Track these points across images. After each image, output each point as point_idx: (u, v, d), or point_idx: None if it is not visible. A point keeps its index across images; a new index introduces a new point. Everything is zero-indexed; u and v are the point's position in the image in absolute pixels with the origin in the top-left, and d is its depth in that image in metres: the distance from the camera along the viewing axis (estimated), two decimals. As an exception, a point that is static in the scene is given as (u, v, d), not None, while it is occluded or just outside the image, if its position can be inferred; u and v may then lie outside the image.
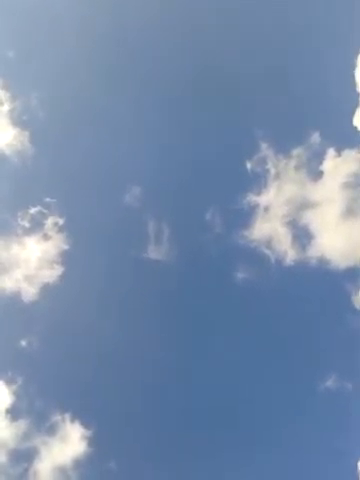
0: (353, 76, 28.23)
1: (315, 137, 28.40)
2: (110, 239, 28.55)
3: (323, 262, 26.79)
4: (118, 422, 25.02)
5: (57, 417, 24.84)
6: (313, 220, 28.11)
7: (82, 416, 24.88)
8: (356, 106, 28.06)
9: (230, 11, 30.13)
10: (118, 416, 25.09)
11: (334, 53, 28.56)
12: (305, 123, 28.82)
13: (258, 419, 24.75)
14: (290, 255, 27.34)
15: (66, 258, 28.16)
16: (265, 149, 28.50)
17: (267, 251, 27.44)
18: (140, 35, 29.88)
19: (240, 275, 27.07)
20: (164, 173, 29.01)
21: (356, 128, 27.97)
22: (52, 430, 24.81)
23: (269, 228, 28.24)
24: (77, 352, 26.14)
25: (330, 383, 24.68)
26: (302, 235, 27.66)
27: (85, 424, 24.78)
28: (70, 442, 24.33)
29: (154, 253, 27.67)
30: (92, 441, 24.48)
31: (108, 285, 27.70)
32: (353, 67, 28.25)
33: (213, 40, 29.68)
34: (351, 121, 28.06)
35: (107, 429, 24.85)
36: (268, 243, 27.68)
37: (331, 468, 22.77)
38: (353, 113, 28.06)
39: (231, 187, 28.92)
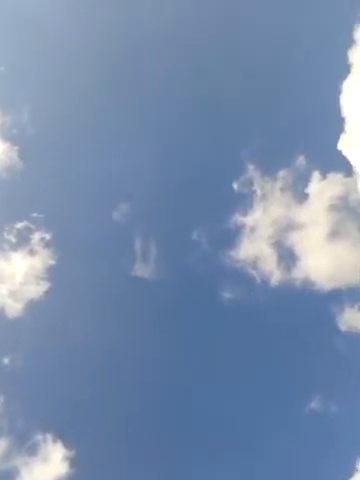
0: (339, 101, 28.27)
1: (301, 160, 28.36)
2: (97, 255, 27.99)
3: (308, 283, 26.52)
4: (101, 443, 24.19)
5: (38, 437, 24.00)
6: (298, 242, 27.88)
7: (64, 436, 24.08)
8: (341, 130, 28.09)
9: (219, 34, 30.01)
10: (101, 437, 24.34)
11: (321, 79, 28.62)
12: (291, 146, 28.79)
13: (243, 439, 24.30)
14: (275, 276, 27.02)
15: (52, 274, 27.54)
16: (252, 170, 28.32)
17: (253, 272, 27.12)
18: (130, 54, 29.58)
19: (226, 295, 26.72)
20: (152, 191, 28.62)
21: (341, 152, 27.94)
22: (33, 450, 23.93)
23: (255, 249, 27.95)
24: (61, 370, 25.39)
25: (315, 404, 24.35)
26: (287, 256, 27.41)
27: (67, 444, 23.94)
28: (52, 463, 23.43)
29: (141, 271, 27.18)
30: (74, 462, 23.64)
31: (94, 302, 27.11)
32: (339, 92, 28.33)
33: (201, 61, 29.58)
34: (336, 145, 28.05)
35: (90, 450, 24.06)
36: (254, 264, 27.35)
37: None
38: (338, 137, 28.07)
39: (218, 207, 28.69)
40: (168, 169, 28.92)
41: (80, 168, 28.92)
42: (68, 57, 29.57)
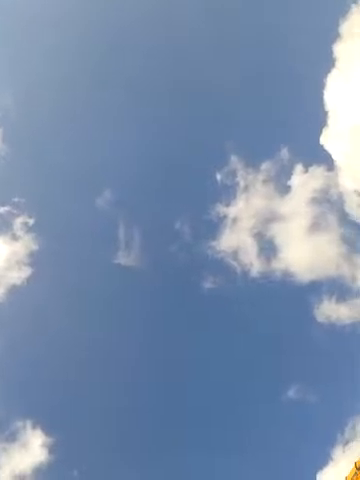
0: (322, 95, 27.55)
1: (284, 152, 27.73)
2: (80, 241, 27.34)
3: (287, 275, 26.08)
4: (81, 430, 23.69)
5: (18, 423, 23.17)
6: (279, 233, 27.34)
7: (44, 423, 23.28)
8: (324, 124, 27.43)
9: (206, 27, 29.00)
10: (81, 423, 23.84)
11: (305, 72, 27.88)
12: (275, 138, 28.21)
13: (221, 427, 23.96)
14: (256, 267, 26.53)
15: (35, 259, 26.56)
16: (235, 162, 27.58)
17: (233, 262, 26.53)
18: (116, 44, 28.59)
19: (207, 285, 26.20)
20: (136, 180, 27.93)
21: (323, 146, 27.30)
22: (12, 437, 23.15)
23: (236, 239, 27.36)
24: (42, 357, 24.79)
25: (292, 393, 24.10)
26: (268, 248, 26.86)
27: (47, 431, 23.14)
28: (31, 449, 22.72)
29: (124, 259, 26.35)
30: (54, 449, 22.87)
31: (77, 289, 26.43)
32: (323, 86, 27.60)
33: (187, 54, 28.67)
34: (319, 138, 27.43)
35: (69, 436, 23.39)
36: (235, 254, 26.76)
37: (291, 477, 22.08)
38: (321, 131, 27.43)
39: (201, 197, 28.04)
40: (152, 158, 28.20)
41: (64, 153, 27.92)
42: (54, 43, 28.36)
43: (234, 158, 27.56)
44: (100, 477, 22.17)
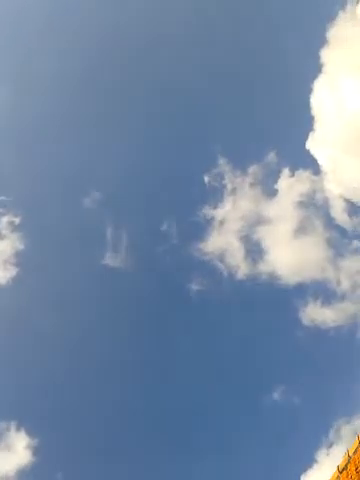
0: (309, 100, 27.65)
1: (271, 156, 27.71)
2: (68, 241, 26.87)
3: (273, 278, 26.03)
4: (65, 432, 23.27)
5: (2, 425, 22.69)
6: (266, 236, 27.34)
7: (28, 425, 22.85)
8: (311, 129, 27.51)
9: (193, 30, 29.03)
10: (65, 426, 23.44)
11: (293, 77, 28.02)
12: (262, 142, 28.18)
13: (205, 429, 23.81)
14: (242, 269, 26.42)
15: (21, 259, 26.12)
16: (223, 164, 27.51)
17: (220, 264, 26.41)
18: (104, 43, 28.31)
19: (193, 287, 26.02)
20: (124, 181, 27.68)
21: (309, 151, 27.38)
22: (-4, 438, 22.54)
23: (223, 242, 27.26)
24: (27, 358, 24.34)
25: (277, 395, 23.93)
26: (255, 250, 26.80)
27: (31, 433, 22.69)
28: (15, 451, 22.25)
29: (112, 260, 26.04)
30: (38, 451, 22.41)
31: (64, 289, 26.13)
32: (310, 91, 27.69)
33: (174, 57, 28.71)
34: (306, 143, 27.51)
35: (54, 439, 23.01)
36: (221, 257, 26.65)
37: (275, 480, 21.90)
38: (308, 136, 27.52)
39: (188, 199, 27.92)
40: (140, 160, 28.05)
41: (51, 153, 27.62)
42: (41, 43, 28.08)
43: (222, 161, 27.61)
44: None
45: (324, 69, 27.07)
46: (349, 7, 27.22)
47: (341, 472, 5.46)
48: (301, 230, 27.09)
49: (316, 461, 21.04)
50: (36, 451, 21.98)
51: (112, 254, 25.88)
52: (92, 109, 27.80)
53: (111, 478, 22.11)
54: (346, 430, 21.41)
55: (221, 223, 27.42)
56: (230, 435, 23.23)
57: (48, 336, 24.06)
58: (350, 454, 5.51)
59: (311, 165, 28.15)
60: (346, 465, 5.47)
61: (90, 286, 26.14)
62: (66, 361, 24.03)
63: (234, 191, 27.83)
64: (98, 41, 28.29)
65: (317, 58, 27.30)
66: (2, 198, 26.27)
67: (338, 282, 26.09)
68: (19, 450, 21.83)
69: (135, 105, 28.45)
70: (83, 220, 26.90)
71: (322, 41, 26.99)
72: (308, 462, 21.78)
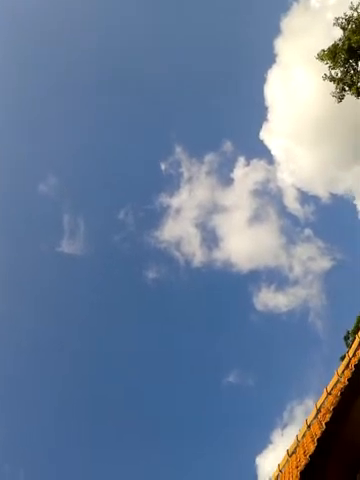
0: (263, 90, 27.75)
1: (227, 145, 27.71)
2: (23, 228, 26.04)
3: (228, 265, 26.30)
4: (26, 428, 22.43)
5: None
6: (221, 224, 27.54)
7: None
8: (264, 119, 27.65)
9: (149, 21, 28.35)
10: (25, 420, 22.62)
11: (247, 67, 27.79)
12: (218, 131, 28.05)
13: (162, 411, 23.68)
14: (198, 257, 26.52)
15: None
16: (179, 152, 27.31)
17: (176, 252, 26.34)
18: (62, 31, 27.21)
19: (150, 274, 25.81)
20: (81, 169, 27.05)
21: (263, 141, 27.51)
22: None
23: (179, 230, 27.23)
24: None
25: (232, 378, 24.20)
26: (210, 238, 26.91)
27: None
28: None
29: (68, 247, 25.40)
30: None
31: (19, 276, 25.32)
32: (263, 81, 27.67)
33: (131, 45, 27.83)
34: (259, 133, 27.68)
35: (15, 436, 22.19)
36: (177, 244, 26.66)
37: (231, 461, 22.12)
38: (262, 126, 27.67)
39: (145, 187, 27.57)
40: (97, 147, 27.32)
41: (6, 137, 26.41)
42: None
43: (178, 149, 27.40)
44: (46, 476, 21.41)
45: (278, 59, 27.10)
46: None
47: (291, 456, 5.52)
48: (255, 218, 27.48)
49: (271, 442, 21.39)
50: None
51: (68, 241, 25.45)
52: (48, 96, 26.66)
53: (72, 472, 21.63)
54: (299, 411, 21.93)
55: (177, 211, 27.36)
56: (186, 418, 23.32)
57: (3, 323, 23.51)
58: (299, 438, 5.58)
59: (265, 155, 28.50)
60: (295, 449, 5.53)
61: (46, 273, 25.54)
62: (21, 349, 23.31)
63: (190, 179, 27.80)
64: (60, 33, 27.35)
65: (271, 48, 27.27)
66: None
67: (290, 268, 26.70)
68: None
69: (92, 93, 27.81)
70: (39, 205, 26.19)
71: (276, 31, 26.91)
72: (263, 443, 22.33)
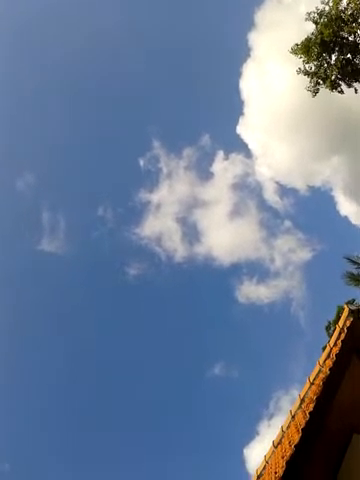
0: (239, 84, 27.75)
1: (205, 139, 27.65)
2: (0, 226, 25.58)
3: (210, 259, 26.31)
4: (11, 423, 22.17)
5: None
6: (201, 219, 27.58)
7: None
8: (241, 113, 27.68)
9: (126, 19, 28.10)
10: (11, 416, 22.30)
11: (222, 61, 27.71)
12: (196, 125, 27.99)
13: (147, 406, 23.46)
14: (179, 252, 26.52)
15: None
16: (158, 147, 27.18)
17: (157, 248, 26.26)
18: (41, 32, 26.86)
19: (131, 271, 25.67)
20: (59, 165, 26.66)
21: (239, 135, 27.56)
22: None
23: (160, 225, 27.17)
24: None
25: (217, 370, 24.27)
26: (191, 233, 26.91)
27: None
28: None
29: (48, 245, 25.16)
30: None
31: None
32: (239, 75, 27.64)
33: (107, 40, 27.53)
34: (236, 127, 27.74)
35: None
36: (158, 240, 26.56)
37: (218, 454, 22.23)
38: (238, 120, 27.73)
39: (124, 183, 27.37)
40: (75, 143, 26.89)
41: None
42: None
43: (156, 144, 27.26)
44: (32, 471, 21.28)
45: (252, 53, 27.11)
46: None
47: (276, 447, 5.60)
48: (236, 212, 27.54)
49: (258, 433, 21.35)
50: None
51: (48, 239, 25.17)
52: (23, 91, 26.26)
53: (59, 467, 21.53)
54: (285, 402, 22.08)
55: (157, 207, 27.28)
56: (172, 410, 23.17)
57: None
58: (284, 429, 5.66)
59: (243, 149, 28.58)
60: (280, 440, 5.62)
61: (25, 271, 25.15)
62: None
63: (170, 175, 27.73)
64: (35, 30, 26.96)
65: (245, 42, 27.23)
66: None
67: (271, 261, 26.88)
68: None
69: (69, 88, 27.28)
70: (17, 203, 25.86)
71: (250, 25, 26.90)
72: (250, 434, 22.41)
